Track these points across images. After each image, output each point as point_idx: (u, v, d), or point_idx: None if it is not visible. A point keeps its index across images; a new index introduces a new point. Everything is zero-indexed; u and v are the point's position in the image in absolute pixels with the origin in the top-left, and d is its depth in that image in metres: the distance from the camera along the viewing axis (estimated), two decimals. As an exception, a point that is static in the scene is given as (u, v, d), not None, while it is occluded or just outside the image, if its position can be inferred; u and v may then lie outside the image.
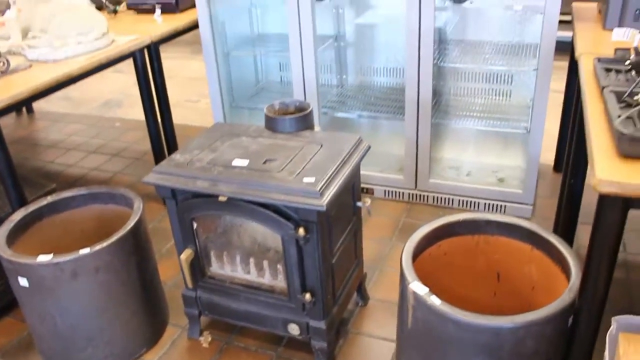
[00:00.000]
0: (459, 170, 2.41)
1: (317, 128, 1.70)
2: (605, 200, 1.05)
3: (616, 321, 1.11)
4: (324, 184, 1.38)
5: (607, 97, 1.19)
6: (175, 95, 3.43)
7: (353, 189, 1.61)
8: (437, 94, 2.41)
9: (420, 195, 2.35)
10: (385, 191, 2.41)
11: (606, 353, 1.08)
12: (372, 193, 2.43)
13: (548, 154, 2.57)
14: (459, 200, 2.29)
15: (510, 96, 2.45)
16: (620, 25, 1.71)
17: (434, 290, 1.29)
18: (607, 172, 0.99)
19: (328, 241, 1.49)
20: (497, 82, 2.44)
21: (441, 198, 2.32)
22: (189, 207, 1.55)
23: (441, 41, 2.40)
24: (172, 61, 4.49)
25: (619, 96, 1.19)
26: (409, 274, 1.32)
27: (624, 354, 1.05)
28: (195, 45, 3.79)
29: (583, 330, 1.23)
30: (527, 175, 2.17)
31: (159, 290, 1.79)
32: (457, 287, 1.57)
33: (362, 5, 2.58)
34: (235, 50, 2.64)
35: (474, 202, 2.27)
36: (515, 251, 1.53)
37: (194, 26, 2.45)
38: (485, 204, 2.26)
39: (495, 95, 2.47)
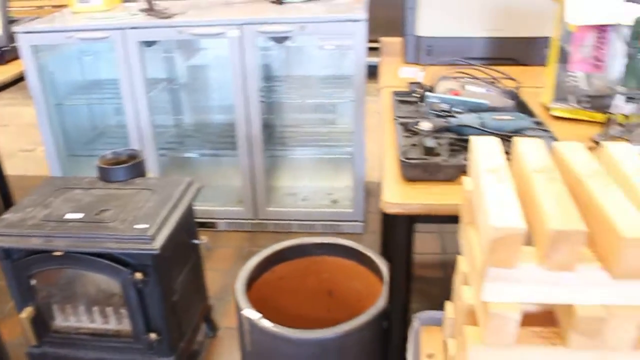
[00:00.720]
0: (295, 196, 2.60)
1: (150, 174, 1.78)
2: (394, 218, 1.25)
3: (417, 317, 1.32)
4: (156, 229, 1.47)
5: (397, 127, 1.40)
6: (9, 144, 3.29)
7: (188, 228, 1.71)
8: (270, 127, 2.59)
9: (261, 224, 2.50)
10: (228, 223, 2.53)
11: (409, 345, 1.28)
12: (216, 227, 2.54)
13: (376, 173, 2.85)
14: (298, 224, 2.48)
15: (335, 124, 2.69)
16: (416, 59, 1.98)
17: (273, 313, 1.43)
18: (391, 194, 1.18)
19: (167, 280, 1.57)
20: (322, 112, 2.68)
21: (281, 224, 2.49)
22: (25, 265, 1.56)
23: (269, 78, 2.59)
24: (5, 108, 4.27)
25: (405, 126, 1.40)
26: (242, 301, 1.44)
27: (424, 344, 1.25)
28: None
29: (394, 329, 1.42)
30: (355, 195, 2.40)
31: (2, 352, 1.75)
32: (294, 307, 1.73)
33: (191, 48, 2.70)
34: (68, 98, 2.63)
35: (311, 225, 2.47)
36: (342, 268, 1.72)
37: (22, 78, 2.41)
38: (321, 224, 2.46)
39: (323, 124, 2.71)
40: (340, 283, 1.72)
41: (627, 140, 1.25)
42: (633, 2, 1.20)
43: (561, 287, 0.83)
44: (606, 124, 1.28)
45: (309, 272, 1.71)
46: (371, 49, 2.18)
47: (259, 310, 1.44)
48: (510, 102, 1.42)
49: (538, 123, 1.33)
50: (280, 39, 2.41)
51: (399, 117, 1.45)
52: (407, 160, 1.18)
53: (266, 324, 1.36)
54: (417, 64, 1.98)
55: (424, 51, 1.95)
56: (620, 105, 1.23)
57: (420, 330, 1.30)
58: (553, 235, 0.78)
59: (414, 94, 1.59)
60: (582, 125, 1.39)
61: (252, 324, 1.38)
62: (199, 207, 2.42)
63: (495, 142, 1.02)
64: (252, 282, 1.58)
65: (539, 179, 0.89)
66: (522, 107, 1.48)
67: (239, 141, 2.32)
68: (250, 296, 1.51)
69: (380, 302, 1.45)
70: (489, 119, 1.29)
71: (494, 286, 0.85)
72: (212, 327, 1.95)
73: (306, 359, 1.36)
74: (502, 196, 0.84)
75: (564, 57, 1.43)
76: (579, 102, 1.44)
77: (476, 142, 1.03)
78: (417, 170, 1.19)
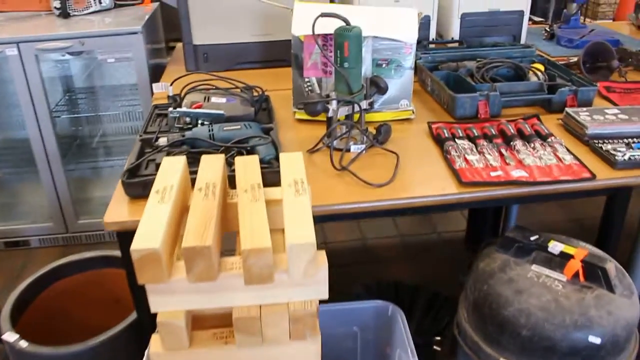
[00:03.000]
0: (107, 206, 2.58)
1: None
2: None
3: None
4: None
5: (136, 144, 1.44)
6: None
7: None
8: (78, 138, 2.56)
9: (73, 237, 2.48)
10: (40, 240, 2.49)
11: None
12: (29, 244, 2.49)
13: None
14: (110, 234, 2.48)
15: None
16: (196, 67, 2.04)
17: (62, 328, 1.45)
18: (110, 214, 1.21)
19: None
20: (131, 120, 2.68)
21: (93, 236, 2.49)
22: None
23: (71, 90, 2.55)
24: None
25: (148, 142, 1.45)
26: (4, 325, 1.45)
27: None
28: None
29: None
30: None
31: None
32: (85, 319, 1.75)
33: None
34: None
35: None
36: (123, 278, 1.76)
37: None
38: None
39: (131, 132, 2.70)
40: (125, 290, 1.77)
41: (353, 139, 1.39)
42: (329, 16, 1.32)
43: (208, 294, 0.92)
44: (327, 126, 1.41)
45: (91, 285, 1.74)
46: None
47: (40, 329, 1.46)
48: (250, 110, 1.51)
49: (267, 130, 1.43)
50: (74, 52, 2.38)
51: (147, 132, 1.50)
52: (126, 180, 1.24)
53: (23, 344, 1.38)
54: (197, 72, 2.04)
55: (202, 59, 2.02)
56: (334, 109, 1.36)
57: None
58: (186, 252, 0.87)
59: (171, 109, 1.63)
60: (321, 126, 1.49)
61: (11, 346, 1.40)
62: (7, 226, 2.37)
63: (214, 158, 1.10)
64: (28, 302, 1.59)
65: (198, 196, 0.98)
66: (267, 114, 1.58)
67: (37, 157, 2.28)
68: (28, 316, 1.52)
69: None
70: (220, 130, 1.38)
71: (156, 298, 0.93)
72: None
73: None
74: (155, 218, 0.92)
75: (299, 64, 1.54)
76: (314, 105, 1.56)
77: (204, 159, 1.10)
78: (137, 188, 1.24)
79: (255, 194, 0.96)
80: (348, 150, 1.39)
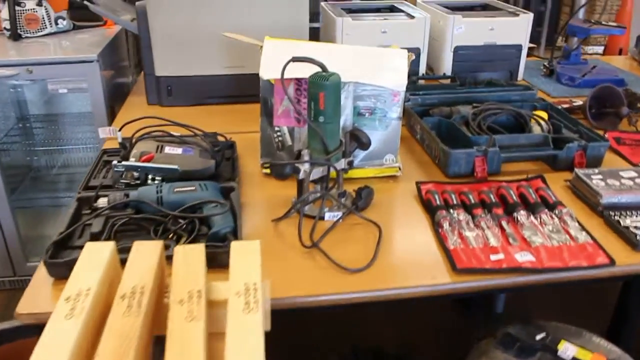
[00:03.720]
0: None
1: None
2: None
3: None
4: None
5: (73, 205, 1.21)
6: None
7: None
8: (33, 170, 2.32)
9: (21, 281, 2.24)
10: (-15, 282, 2.25)
11: None
12: (-29, 288, 2.25)
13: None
14: (65, 278, 2.24)
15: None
16: (159, 101, 1.82)
17: None
18: (23, 305, 0.98)
19: None
20: (94, 150, 2.44)
21: (44, 280, 2.24)
22: None
23: (24, 118, 2.31)
24: None
25: (87, 201, 1.22)
26: None
27: None
28: None
29: None
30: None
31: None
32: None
33: None
34: None
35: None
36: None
37: None
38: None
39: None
40: None
41: (329, 204, 1.18)
42: (301, 61, 1.11)
43: None
44: (298, 190, 1.19)
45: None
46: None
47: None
48: (209, 164, 1.30)
49: (228, 190, 1.21)
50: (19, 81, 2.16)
51: (88, 188, 1.27)
52: (49, 260, 1.02)
53: None
54: (159, 105, 1.83)
55: (165, 92, 1.80)
56: (305, 171, 1.14)
57: None
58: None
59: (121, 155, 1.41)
60: (293, 183, 1.27)
61: None
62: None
63: (148, 248, 0.87)
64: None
65: (118, 309, 0.75)
66: (231, 165, 1.37)
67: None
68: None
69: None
70: (169, 192, 1.16)
71: None
72: None
73: None
74: (57, 342, 0.70)
75: (268, 110, 1.33)
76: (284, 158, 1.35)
77: (135, 249, 0.87)
78: (63, 269, 1.02)
79: (193, 310, 0.74)
80: (322, 218, 1.18)
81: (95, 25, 2.09)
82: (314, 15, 2.01)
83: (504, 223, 1.15)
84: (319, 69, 1.13)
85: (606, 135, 1.57)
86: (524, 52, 2.06)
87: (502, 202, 1.22)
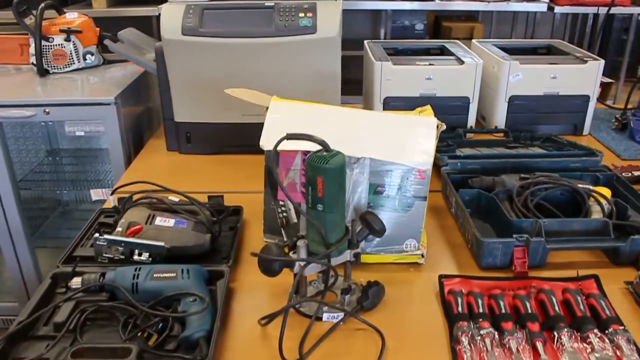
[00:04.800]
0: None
1: None
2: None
3: None
4: None
5: (46, 282, 1.09)
6: None
7: None
8: (61, 204, 2.26)
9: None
10: (3, 320, 2.20)
11: None
12: (-7, 324, 2.20)
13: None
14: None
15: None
16: (178, 147, 1.70)
17: None
18: None
19: None
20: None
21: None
22: None
23: (53, 152, 2.25)
24: None
25: (62, 278, 1.10)
26: None
27: None
28: None
29: None
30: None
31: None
32: None
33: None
34: None
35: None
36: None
37: None
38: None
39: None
40: None
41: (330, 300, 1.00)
42: (297, 139, 0.94)
43: None
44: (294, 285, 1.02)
45: None
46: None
47: None
48: (203, 239, 1.15)
49: (217, 276, 1.06)
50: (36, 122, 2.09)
51: (70, 259, 1.15)
52: None
53: None
54: (179, 151, 1.71)
55: (184, 138, 1.67)
56: (300, 264, 0.97)
57: None
58: None
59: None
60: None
61: None
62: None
63: None
64: None
65: None
66: (231, 238, 1.21)
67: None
68: None
69: None
70: (147, 277, 1.01)
71: None
72: None
73: None
74: None
75: (272, 181, 1.17)
76: (288, 236, 1.18)
77: None
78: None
79: None
80: (319, 318, 1.00)
81: (126, 60, 2.00)
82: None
83: (539, 345, 0.93)
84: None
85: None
86: (592, 103, 1.80)
87: (541, 311, 1.00)
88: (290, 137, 0.94)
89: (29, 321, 0.97)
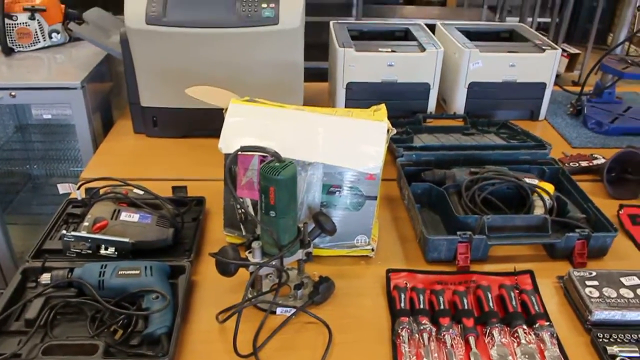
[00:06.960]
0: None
1: None
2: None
3: None
4: None
5: (16, 278, 1.14)
6: None
7: None
8: (31, 177, 2.28)
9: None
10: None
11: None
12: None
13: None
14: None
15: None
16: (145, 131, 1.73)
17: None
18: None
19: None
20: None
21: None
22: None
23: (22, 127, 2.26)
24: None
25: (33, 273, 1.16)
26: None
27: None
28: None
29: None
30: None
31: None
32: None
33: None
34: None
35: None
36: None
37: None
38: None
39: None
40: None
41: (283, 293, 1.09)
42: (250, 151, 0.99)
43: None
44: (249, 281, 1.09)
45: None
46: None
47: None
48: (166, 234, 1.21)
49: (179, 271, 1.13)
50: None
51: (39, 253, 1.20)
52: None
53: None
54: (146, 134, 1.74)
55: (150, 122, 1.71)
56: (254, 266, 1.04)
57: None
58: None
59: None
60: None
61: None
62: None
63: None
64: None
65: None
66: (193, 230, 1.28)
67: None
68: None
69: None
70: (113, 274, 1.08)
71: None
72: None
73: None
74: None
75: (233, 179, 1.23)
76: (247, 231, 1.25)
77: None
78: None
79: None
80: (273, 312, 1.08)
81: (94, 38, 2.00)
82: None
83: (471, 340, 1.02)
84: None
85: (621, 212, 1.41)
86: (548, 91, 1.87)
87: (477, 307, 1.10)
88: (244, 149, 1.00)
89: (1, 318, 1.04)
